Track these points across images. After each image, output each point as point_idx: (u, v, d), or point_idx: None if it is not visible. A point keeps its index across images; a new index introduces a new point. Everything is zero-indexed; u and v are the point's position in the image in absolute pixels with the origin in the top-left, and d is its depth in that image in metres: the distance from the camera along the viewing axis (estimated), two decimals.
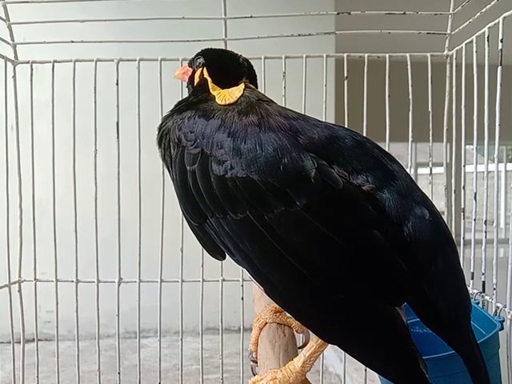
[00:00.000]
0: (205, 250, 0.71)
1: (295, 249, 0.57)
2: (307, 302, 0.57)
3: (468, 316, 0.60)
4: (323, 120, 0.71)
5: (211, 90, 0.78)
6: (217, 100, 0.74)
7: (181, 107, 0.77)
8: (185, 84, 0.89)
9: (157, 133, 0.77)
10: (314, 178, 0.58)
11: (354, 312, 0.55)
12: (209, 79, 0.80)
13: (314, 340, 0.62)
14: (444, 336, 0.58)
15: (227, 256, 0.66)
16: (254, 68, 0.85)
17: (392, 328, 0.54)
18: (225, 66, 0.83)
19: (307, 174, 0.58)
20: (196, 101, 0.77)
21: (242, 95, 0.74)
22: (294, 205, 0.57)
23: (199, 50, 0.86)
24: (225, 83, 0.78)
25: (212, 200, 0.62)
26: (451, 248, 0.62)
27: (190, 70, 0.86)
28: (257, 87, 0.83)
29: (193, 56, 0.87)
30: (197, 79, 0.83)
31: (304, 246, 0.56)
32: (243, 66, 0.83)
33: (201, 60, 0.84)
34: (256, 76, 0.85)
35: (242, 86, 0.77)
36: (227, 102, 0.72)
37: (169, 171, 0.74)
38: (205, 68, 0.82)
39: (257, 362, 0.77)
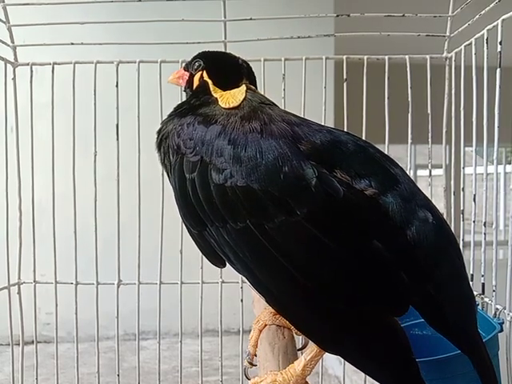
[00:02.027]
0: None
1: (295, 258, 0.56)
2: (307, 311, 0.57)
3: (474, 317, 0.61)
4: (322, 122, 0.71)
5: (213, 93, 0.77)
6: (220, 103, 0.73)
7: (182, 110, 0.76)
8: None
9: (156, 136, 0.76)
10: (315, 186, 0.57)
11: (354, 322, 0.55)
12: (209, 81, 0.79)
13: (315, 344, 0.62)
14: (451, 338, 0.58)
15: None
16: (254, 70, 0.85)
17: (392, 337, 0.54)
18: (224, 67, 0.82)
19: (308, 182, 0.58)
20: (198, 104, 0.76)
21: (244, 98, 0.73)
22: (295, 214, 0.57)
23: (196, 53, 0.85)
24: (226, 85, 0.77)
25: (211, 208, 0.62)
26: (455, 250, 0.62)
27: (187, 73, 0.85)
28: (256, 89, 0.83)
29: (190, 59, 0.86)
30: (196, 82, 0.81)
31: (304, 255, 0.56)
32: (242, 67, 0.82)
33: (199, 63, 0.82)
34: (255, 77, 0.85)
35: (243, 87, 0.76)
36: (231, 106, 0.71)
37: (168, 177, 0.73)
38: (204, 71, 0.81)
39: (252, 364, 0.77)
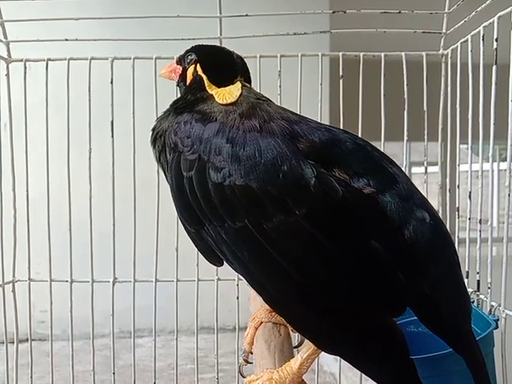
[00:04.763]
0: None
1: (293, 257, 0.56)
2: (304, 310, 0.57)
3: (468, 317, 0.61)
4: (318, 119, 0.71)
5: (208, 89, 0.75)
6: (216, 99, 0.72)
7: (177, 107, 0.75)
8: None
9: (151, 133, 0.75)
10: (314, 186, 0.57)
11: (350, 320, 0.55)
12: (204, 76, 0.77)
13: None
14: (445, 337, 0.59)
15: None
16: (249, 66, 0.84)
17: (389, 336, 0.54)
18: (219, 62, 0.80)
19: (307, 182, 0.57)
20: (194, 99, 0.75)
21: (241, 94, 0.72)
22: (293, 214, 0.56)
23: (190, 47, 0.84)
24: (221, 81, 0.75)
25: (209, 207, 0.61)
26: (451, 250, 0.62)
27: (179, 67, 0.83)
28: (251, 86, 0.82)
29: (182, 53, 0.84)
30: (190, 77, 0.80)
31: (302, 254, 0.56)
32: (238, 63, 0.81)
33: (192, 57, 0.81)
34: (249, 74, 0.83)
35: (238, 84, 0.75)
36: (228, 101, 0.70)
37: (165, 175, 0.73)
38: (198, 65, 0.79)
39: (248, 362, 0.77)
